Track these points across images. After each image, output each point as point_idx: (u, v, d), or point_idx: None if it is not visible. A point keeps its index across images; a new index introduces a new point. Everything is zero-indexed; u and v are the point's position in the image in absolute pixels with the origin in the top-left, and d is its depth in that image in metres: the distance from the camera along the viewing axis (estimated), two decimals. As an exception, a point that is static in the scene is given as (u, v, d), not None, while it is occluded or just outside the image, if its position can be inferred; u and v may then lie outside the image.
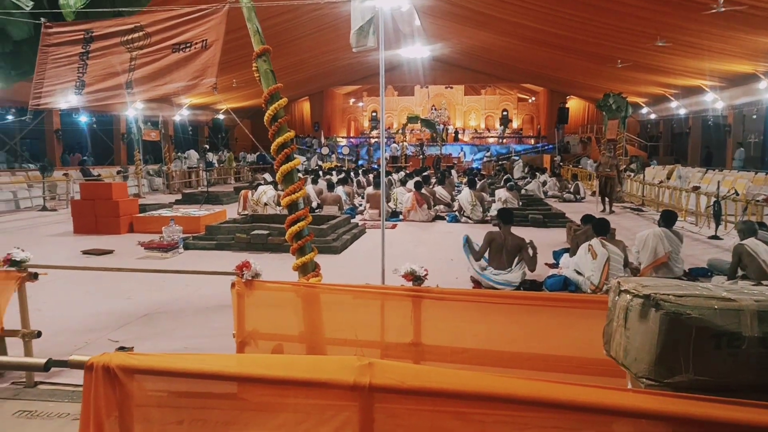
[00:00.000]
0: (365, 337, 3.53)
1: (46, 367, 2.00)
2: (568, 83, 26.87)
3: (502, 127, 34.94)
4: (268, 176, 15.71)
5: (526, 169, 21.72)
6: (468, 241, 6.63)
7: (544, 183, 17.27)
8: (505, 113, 35.51)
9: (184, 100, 21.00)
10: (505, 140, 33.47)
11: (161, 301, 5.77)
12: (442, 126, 31.24)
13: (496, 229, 6.78)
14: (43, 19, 3.83)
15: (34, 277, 3.74)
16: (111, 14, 3.96)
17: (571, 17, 14.73)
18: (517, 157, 26.61)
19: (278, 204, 11.81)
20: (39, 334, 3.82)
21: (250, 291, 3.53)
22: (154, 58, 3.75)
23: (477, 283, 6.46)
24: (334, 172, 17.67)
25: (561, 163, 24.69)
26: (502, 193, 12.73)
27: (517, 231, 6.86)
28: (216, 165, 24.82)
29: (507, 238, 6.42)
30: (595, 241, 6.07)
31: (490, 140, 33.99)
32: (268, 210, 11.57)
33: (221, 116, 28.99)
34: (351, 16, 3.73)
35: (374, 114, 36.25)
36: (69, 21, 3.91)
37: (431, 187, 13.64)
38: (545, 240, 8.82)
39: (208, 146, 26.76)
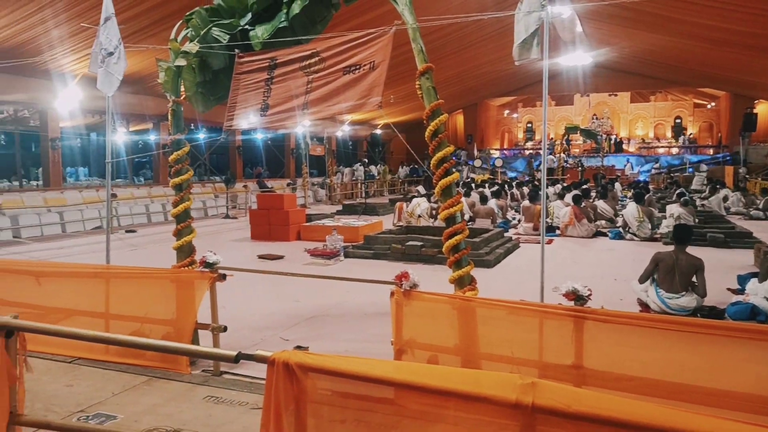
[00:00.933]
0: (521, 354, 3.45)
1: (236, 359, 2.25)
2: (757, 86, 23.71)
3: (676, 136, 31.86)
4: (421, 188, 16.08)
5: (705, 182, 19.57)
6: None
7: (725, 198, 15.41)
8: (678, 121, 32.35)
9: (346, 116, 22.30)
10: (677, 150, 30.48)
11: (325, 305, 6.17)
12: (604, 136, 29.39)
13: (668, 248, 6.21)
14: (237, 51, 4.37)
15: (223, 277, 4.24)
16: (292, 43, 4.37)
17: (763, 12, 13.05)
18: (705, 168, 23.96)
19: (431, 216, 12.01)
20: (225, 329, 4.31)
21: (408, 301, 3.65)
22: (327, 80, 4.08)
23: (645, 307, 5.97)
24: (487, 185, 17.51)
25: (747, 176, 21.84)
26: (674, 209, 11.60)
27: (692, 251, 6.22)
28: (377, 177, 26.04)
29: (680, 259, 5.84)
30: (793, 266, 5.29)
31: (660, 150, 31.18)
32: (421, 222, 11.81)
33: (379, 131, 30.30)
34: (514, 29, 3.71)
35: (529, 125, 35.26)
36: (257, 50, 4.41)
37: (592, 201, 12.90)
38: (727, 262, 7.89)
39: (366, 160, 28.15)
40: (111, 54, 4.72)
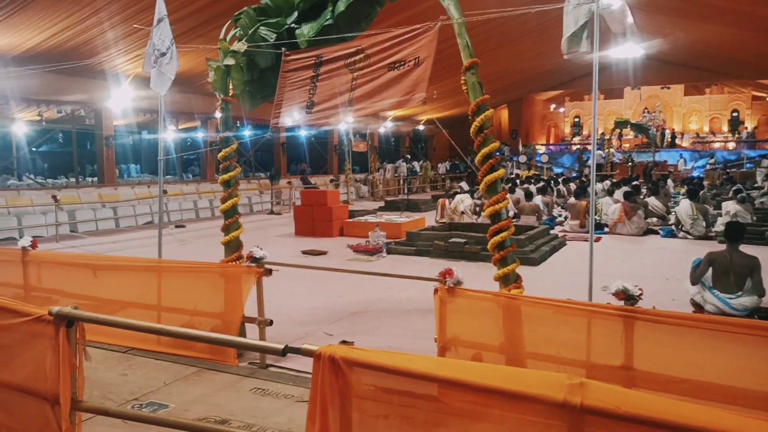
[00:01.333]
0: (568, 354, 3.39)
1: (283, 352, 2.29)
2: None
3: (733, 130, 30.51)
4: (464, 185, 15.94)
5: (766, 178, 18.67)
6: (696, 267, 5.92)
7: (787, 195, 14.66)
8: (735, 114, 30.97)
9: (389, 113, 22.33)
10: (734, 145, 29.18)
11: (367, 301, 6.21)
12: (655, 130, 28.42)
13: (721, 247, 5.96)
14: (283, 49, 4.44)
15: (269, 272, 4.32)
16: (337, 40, 4.41)
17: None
18: (767, 163, 22.83)
19: (475, 213, 11.91)
20: (271, 323, 4.40)
21: (452, 298, 3.63)
22: (372, 77, 4.10)
23: (698, 307, 5.75)
24: (532, 181, 17.23)
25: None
26: (730, 206, 11.12)
27: (749, 250, 5.95)
28: (419, 173, 26.02)
29: (734, 258, 5.60)
30: None
31: (715, 145, 29.93)
32: (464, 218, 11.73)
33: (421, 127, 30.21)
34: (563, 22, 3.63)
35: (576, 119, 34.45)
36: (303, 48, 4.47)
37: (642, 197, 12.52)
38: (788, 262, 7.48)
39: (409, 156, 28.16)
40: (163, 54, 4.88)
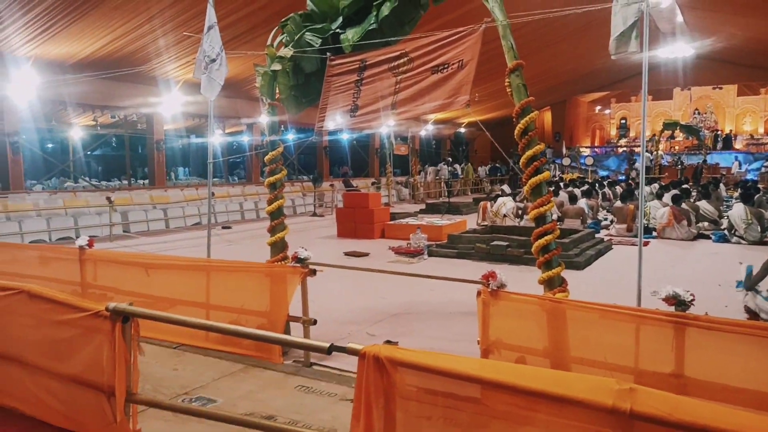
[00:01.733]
0: (615, 360, 3.32)
1: (329, 350, 2.34)
2: None
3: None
4: (506, 188, 15.76)
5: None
6: (750, 274, 5.71)
7: None
8: (793, 114, 29.57)
9: (430, 116, 22.32)
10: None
11: (409, 303, 6.22)
12: (706, 132, 27.41)
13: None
14: (328, 54, 4.52)
15: (313, 273, 4.39)
16: (381, 44, 4.46)
17: None
18: None
19: (517, 215, 11.76)
20: (315, 322, 4.47)
21: (495, 301, 3.61)
22: (415, 80, 4.12)
23: (753, 314, 5.53)
24: (577, 184, 16.90)
25: None
26: (788, 210, 10.65)
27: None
28: (460, 176, 25.90)
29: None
30: None
31: (772, 147, 28.64)
32: (506, 221, 11.60)
33: (462, 130, 30.03)
34: (611, 22, 3.57)
35: (623, 121, 33.56)
36: (347, 53, 4.53)
37: (693, 201, 12.10)
38: None
39: (450, 158, 28.04)
40: (213, 61, 5.03)
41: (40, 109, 13.87)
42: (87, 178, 22.60)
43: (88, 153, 26.18)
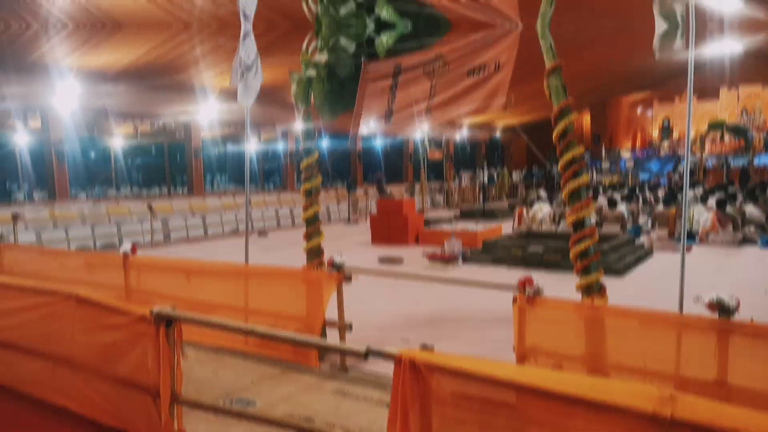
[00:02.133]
0: (655, 367, 3.25)
1: (366, 354, 2.37)
2: None
3: None
4: (543, 193, 15.55)
5: None
6: None
7: None
8: None
9: (465, 120, 22.21)
10: None
11: (444, 309, 6.21)
12: (754, 132, 26.43)
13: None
14: (363, 59, 4.55)
15: (349, 278, 4.44)
16: (416, 47, 4.47)
17: None
18: None
19: (554, 221, 11.60)
20: (350, 327, 4.51)
21: (531, 307, 3.58)
22: (451, 84, 4.12)
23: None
24: (617, 188, 16.55)
25: None
26: (841, 214, 10.20)
27: None
28: (496, 181, 25.68)
29: None
30: None
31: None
32: (543, 227, 11.44)
33: (498, 134, 29.77)
34: (655, 20, 3.48)
35: (666, 123, 32.66)
36: (382, 58, 4.56)
37: (739, 205, 11.70)
38: None
39: (486, 163, 27.82)
40: (249, 68, 5.14)
41: (82, 118, 14.37)
42: (128, 186, 23.29)
43: (129, 161, 26.99)
